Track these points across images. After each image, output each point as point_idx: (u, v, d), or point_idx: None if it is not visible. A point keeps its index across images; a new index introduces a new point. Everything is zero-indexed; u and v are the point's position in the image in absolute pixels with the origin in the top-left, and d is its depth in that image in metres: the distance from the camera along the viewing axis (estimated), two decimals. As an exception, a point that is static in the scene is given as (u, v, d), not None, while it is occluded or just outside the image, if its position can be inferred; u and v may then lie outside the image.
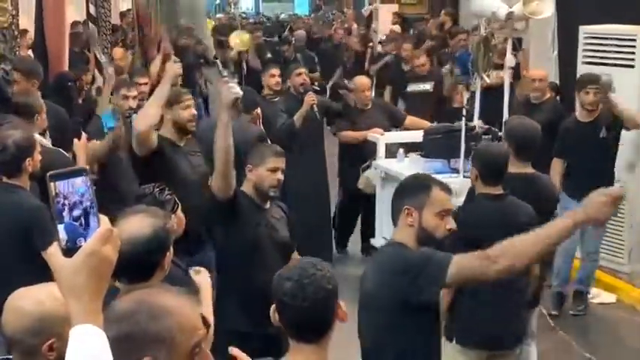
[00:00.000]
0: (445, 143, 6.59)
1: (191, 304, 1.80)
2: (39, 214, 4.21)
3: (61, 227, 1.50)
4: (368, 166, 7.39)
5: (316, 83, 9.91)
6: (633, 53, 7.15)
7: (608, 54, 7.35)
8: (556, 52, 8.67)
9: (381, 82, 11.65)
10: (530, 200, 4.53)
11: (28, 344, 2.43)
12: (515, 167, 4.72)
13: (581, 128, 6.61)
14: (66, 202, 1.49)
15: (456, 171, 6.51)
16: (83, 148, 5.58)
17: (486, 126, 6.29)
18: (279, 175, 4.43)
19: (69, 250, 1.49)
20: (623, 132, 6.65)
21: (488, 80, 6.72)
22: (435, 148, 6.65)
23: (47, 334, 2.40)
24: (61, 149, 5.37)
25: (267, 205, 4.52)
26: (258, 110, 6.72)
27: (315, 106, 7.24)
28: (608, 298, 6.93)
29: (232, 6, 15.58)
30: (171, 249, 2.96)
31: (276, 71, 7.88)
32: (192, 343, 1.73)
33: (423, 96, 9.53)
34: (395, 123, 7.79)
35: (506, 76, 6.58)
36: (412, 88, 9.72)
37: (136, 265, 2.78)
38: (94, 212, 1.51)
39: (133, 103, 6.22)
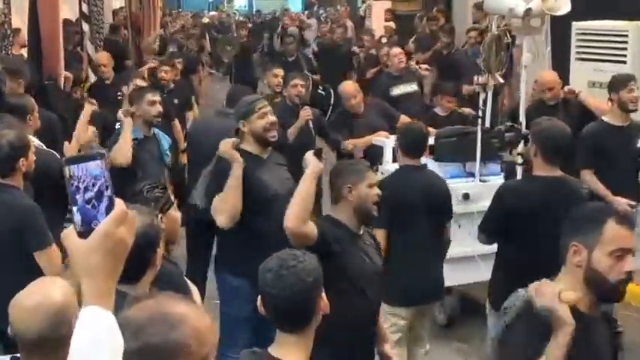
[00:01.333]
0: (460, 146, 6.27)
1: (202, 312, 1.81)
2: (32, 214, 4.20)
3: (75, 209, 1.50)
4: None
5: (320, 87, 9.46)
6: (625, 49, 7.17)
7: (600, 49, 7.36)
8: (549, 49, 8.68)
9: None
10: (558, 205, 4.33)
11: (56, 336, 2.45)
12: (542, 170, 4.56)
13: (616, 133, 6.10)
14: (80, 185, 1.49)
15: (471, 175, 6.23)
16: (72, 151, 5.51)
17: (509, 123, 6.02)
18: (378, 191, 4.03)
19: (84, 233, 1.50)
20: None
21: (501, 80, 6.44)
22: (449, 152, 6.29)
23: (69, 321, 2.45)
24: (53, 151, 5.35)
25: (362, 231, 4.03)
26: None
27: (310, 121, 6.87)
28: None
29: (226, 3, 15.40)
30: (161, 246, 2.95)
31: (279, 71, 7.62)
32: (206, 352, 1.75)
33: (409, 99, 8.70)
34: (390, 122, 7.34)
35: (522, 75, 6.32)
36: (397, 91, 8.73)
37: (128, 265, 2.79)
38: (108, 195, 1.51)
39: (160, 107, 5.96)
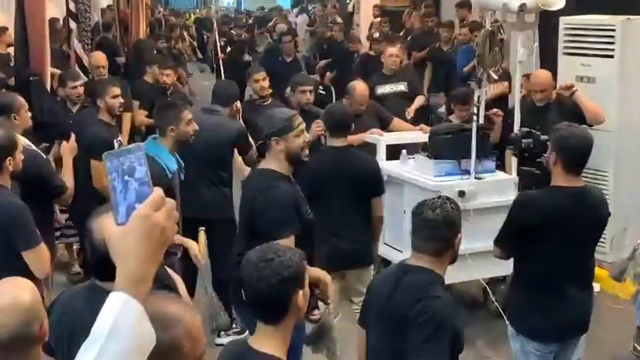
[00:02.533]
0: (455, 143, 6.11)
1: (193, 312, 1.80)
2: (21, 214, 4.16)
3: (114, 201, 1.49)
4: None
5: (321, 87, 8.85)
6: (613, 43, 7.16)
7: (588, 44, 7.37)
8: (537, 44, 8.69)
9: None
10: (581, 217, 4.18)
11: (29, 334, 2.45)
12: (563, 181, 4.20)
13: None
14: (119, 177, 1.49)
15: (466, 172, 6.09)
16: (69, 151, 5.38)
17: (526, 129, 5.63)
18: None
19: (123, 224, 1.48)
20: None
21: (495, 77, 6.28)
22: (444, 149, 6.15)
23: (40, 318, 2.49)
24: (39, 150, 5.26)
25: None
26: (238, 104, 6.44)
27: (322, 137, 6.25)
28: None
29: (213, 1, 15.17)
30: None
31: (259, 76, 7.17)
32: (199, 352, 1.76)
33: (396, 98, 8.47)
34: (382, 125, 7.16)
35: (517, 73, 6.23)
36: (381, 90, 8.42)
37: (110, 259, 2.81)
38: (147, 186, 1.50)
39: (196, 125, 5.27)
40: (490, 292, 6.25)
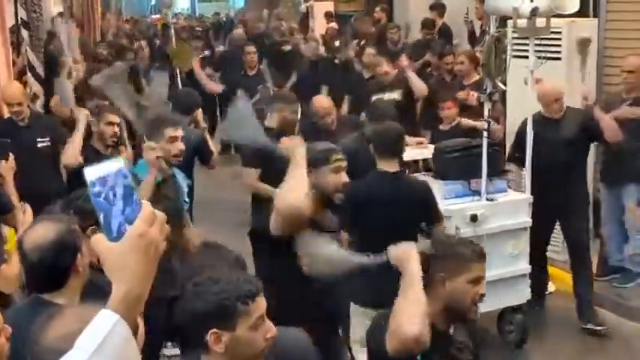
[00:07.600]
0: (464, 162, 5.45)
1: None
2: None
3: (102, 217, 1.43)
4: None
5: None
6: (560, 46, 7.22)
7: (535, 47, 7.39)
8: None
9: (338, 91, 9.17)
10: None
11: None
12: None
13: None
14: (104, 192, 1.43)
15: (477, 193, 5.41)
16: (9, 170, 5.01)
17: None
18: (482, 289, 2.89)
19: (115, 239, 1.42)
20: None
21: (503, 87, 5.69)
22: (452, 168, 5.46)
23: None
24: None
25: (452, 330, 2.97)
26: (200, 113, 6.09)
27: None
28: (549, 287, 6.93)
29: (167, 7, 14.64)
30: (84, 251, 2.79)
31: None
32: None
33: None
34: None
35: (530, 81, 5.84)
36: (376, 97, 7.84)
37: (47, 271, 2.74)
38: (134, 199, 1.44)
39: (181, 145, 4.71)
40: (506, 322, 5.70)
